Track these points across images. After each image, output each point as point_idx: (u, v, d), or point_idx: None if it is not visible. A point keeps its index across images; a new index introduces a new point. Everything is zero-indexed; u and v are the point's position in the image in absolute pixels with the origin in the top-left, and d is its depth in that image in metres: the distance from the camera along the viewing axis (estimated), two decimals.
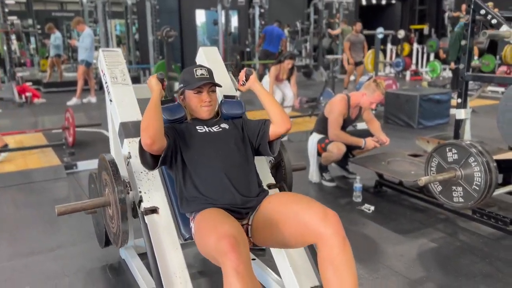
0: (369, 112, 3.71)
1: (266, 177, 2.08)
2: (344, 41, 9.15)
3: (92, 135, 5.28)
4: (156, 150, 1.67)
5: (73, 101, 7.78)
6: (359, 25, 8.93)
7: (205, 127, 1.84)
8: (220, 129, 1.85)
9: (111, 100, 2.13)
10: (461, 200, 2.66)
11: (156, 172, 1.89)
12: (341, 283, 1.46)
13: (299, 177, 3.77)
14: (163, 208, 1.81)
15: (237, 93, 2.19)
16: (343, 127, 3.57)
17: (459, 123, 2.84)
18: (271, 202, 1.71)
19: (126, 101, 2.09)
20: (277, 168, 2.21)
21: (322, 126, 3.63)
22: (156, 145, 1.64)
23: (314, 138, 3.69)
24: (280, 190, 2.05)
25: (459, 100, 2.81)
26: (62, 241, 2.67)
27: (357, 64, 8.85)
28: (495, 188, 2.61)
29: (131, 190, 1.84)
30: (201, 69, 1.86)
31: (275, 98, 1.91)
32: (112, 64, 2.21)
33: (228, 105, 1.96)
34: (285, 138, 5.18)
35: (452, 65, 7.54)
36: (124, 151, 1.97)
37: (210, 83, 1.84)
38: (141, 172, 1.87)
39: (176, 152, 1.76)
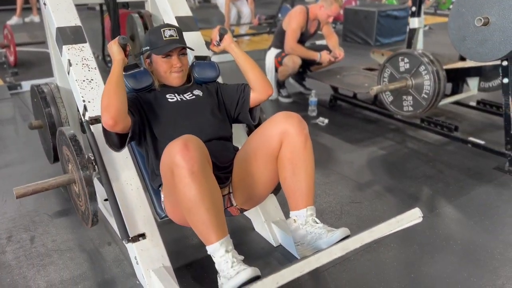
0: (329, 26, 3.64)
1: (243, 142, 1.94)
2: None
3: (36, 55, 4.95)
4: (120, 130, 1.48)
5: (14, 20, 7.17)
6: None
7: (176, 95, 1.66)
8: (194, 97, 1.67)
9: (45, 4, 1.94)
10: (410, 108, 2.74)
11: (100, 80, 1.79)
12: (298, 182, 1.44)
13: None
14: None
15: (210, 53, 1.97)
16: (301, 41, 3.50)
17: (412, 33, 2.84)
18: (239, 151, 1.63)
19: (62, 4, 1.91)
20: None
21: (279, 40, 3.55)
22: (119, 125, 1.44)
23: (272, 53, 3.62)
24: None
25: (413, 9, 2.78)
26: (10, 159, 2.58)
27: None
28: (443, 97, 2.70)
29: (94, 164, 1.65)
30: (169, 29, 1.64)
31: (254, 61, 1.72)
32: None
33: (201, 68, 1.77)
34: None
35: None
36: (63, 59, 1.84)
37: (180, 47, 1.64)
38: (83, 81, 1.77)
39: (144, 128, 1.59)
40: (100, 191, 1.98)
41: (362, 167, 2.52)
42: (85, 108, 1.73)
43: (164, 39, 1.62)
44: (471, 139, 2.65)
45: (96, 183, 1.99)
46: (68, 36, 1.85)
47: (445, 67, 2.74)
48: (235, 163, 1.60)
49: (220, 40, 1.76)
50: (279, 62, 3.53)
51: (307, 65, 3.64)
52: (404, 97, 2.75)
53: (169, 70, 1.65)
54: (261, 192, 1.58)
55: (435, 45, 5.24)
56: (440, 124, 2.78)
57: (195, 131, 1.47)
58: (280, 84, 3.70)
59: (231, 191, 1.60)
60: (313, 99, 3.34)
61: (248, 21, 6.00)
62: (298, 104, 3.63)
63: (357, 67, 3.69)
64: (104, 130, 1.49)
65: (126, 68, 1.63)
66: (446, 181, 2.34)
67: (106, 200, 1.90)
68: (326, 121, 3.19)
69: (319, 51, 3.47)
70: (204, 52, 1.97)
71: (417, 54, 2.62)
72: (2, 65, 4.07)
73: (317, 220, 1.44)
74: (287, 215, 1.55)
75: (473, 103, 3.29)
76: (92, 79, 1.79)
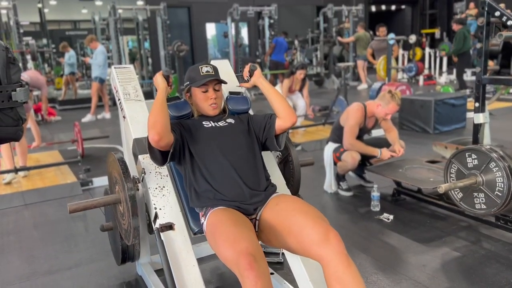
0: (387, 120, 3.65)
1: (274, 172, 2.07)
2: (368, 47, 9.22)
3: (108, 150, 5.32)
4: (163, 146, 1.70)
5: (88, 117, 7.87)
6: (382, 30, 8.80)
7: (211, 122, 1.88)
8: (226, 124, 1.89)
9: (124, 117, 2.13)
10: (483, 206, 2.58)
11: (171, 188, 1.87)
12: None
13: (315, 187, 3.73)
14: (179, 224, 1.78)
15: (242, 90, 2.21)
16: (359, 136, 3.52)
17: (477, 128, 2.77)
18: (279, 204, 1.71)
19: (139, 117, 2.09)
20: (284, 164, 2.20)
21: (337, 135, 3.59)
22: (163, 140, 1.67)
23: (330, 147, 3.65)
24: (288, 186, 2.07)
25: (477, 104, 2.74)
26: (79, 259, 2.67)
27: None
28: None
29: (141, 187, 1.87)
30: (206, 66, 1.90)
31: (280, 92, 1.92)
32: (124, 80, 2.22)
33: (234, 101, 2.00)
34: (298, 148, 5.14)
35: (455, 59, 7.73)
36: (138, 168, 1.96)
37: (215, 80, 1.87)
38: (156, 188, 1.86)
39: (183, 147, 1.80)
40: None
41: (437, 272, 2.34)
42: (156, 216, 1.80)
43: (201, 74, 1.86)
44: None
45: None
46: (144, 146, 1.98)
47: None
48: (265, 219, 1.71)
49: (251, 76, 1.97)
50: (337, 157, 3.54)
51: (366, 158, 3.62)
52: (475, 194, 2.60)
53: (205, 102, 1.88)
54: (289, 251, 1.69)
55: (499, 132, 5.07)
56: None
57: (228, 153, 1.76)
58: (340, 177, 3.67)
59: (257, 218, 1.75)
60: (375, 193, 3.25)
61: (303, 113, 6.18)
62: (359, 198, 3.54)
63: (420, 159, 3.60)
64: (149, 146, 1.71)
65: (169, 99, 1.89)
66: None
67: None
68: (391, 217, 3.06)
69: (378, 146, 3.45)
70: (238, 90, 2.16)
71: (485, 150, 2.53)
72: (77, 163, 4.39)
73: None
74: None
75: None
76: (164, 187, 1.87)
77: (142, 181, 1.92)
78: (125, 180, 1.75)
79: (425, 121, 5.73)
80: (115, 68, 2.27)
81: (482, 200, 2.58)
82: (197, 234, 1.88)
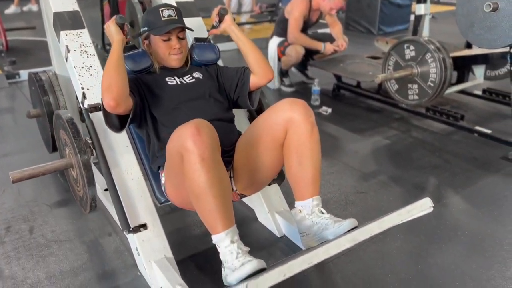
0: (333, 15, 3.56)
1: (244, 127, 1.88)
2: None
3: (35, 44, 4.88)
4: (122, 111, 1.44)
5: (12, 9, 7.09)
6: None
7: (176, 77, 1.62)
8: (193, 79, 1.64)
9: None
10: (416, 97, 2.69)
11: (99, 66, 1.74)
12: (303, 172, 1.40)
13: None
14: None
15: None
16: (303, 30, 3.43)
17: (418, 19, 2.78)
18: (241, 136, 1.60)
19: None
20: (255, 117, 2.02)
21: (281, 28, 3.48)
22: (121, 106, 1.41)
23: (274, 42, 3.55)
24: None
25: None
26: (9, 149, 2.54)
27: None
28: (449, 85, 2.65)
29: (92, 148, 1.62)
30: (168, 9, 1.60)
31: (254, 44, 1.66)
32: None
33: (200, 50, 1.72)
34: None
35: None
36: (61, 45, 1.79)
37: (179, 27, 1.60)
38: (82, 68, 1.72)
39: (144, 110, 1.54)
40: (100, 181, 1.95)
41: (367, 157, 2.47)
42: (84, 96, 1.69)
43: (163, 19, 1.57)
44: (478, 128, 2.61)
45: (96, 172, 1.94)
46: (66, 21, 1.79)
47: (451, 54, 2.68)
48: (237, 148, 1.56)
49: (220, 21, 1.70)
50: (281, 51, 3.47)
51: (310, 54, 3.58)
52: (410, 85, 2.69)
53: (168, 52, 1.60)
54: (263, 177, 1.55)
55: (440, 34, 5.14)
56: (446, 113, 2.73)
57: (196, 114, 1.45)
58: (283, 73, 3.64)
59: (232, 175, 1.56)
60: (316, 88, 3.28)
61: (249, 9, 5.92)
62: (301, 94, 3.57)
63: (361, 55, 3.62)
64: (105, 111, 1.45)
65: (124, 49, 1.57)
66: (452, 171, 2.29)
67: (106, 190, 1.86)
68: (330, 110, 3.14)
69: (322, 41, 3.41)
70: (204, 35, 1.88)
71: (423, 41, 2.57)
72: (0, 54, 4.01)
73: (323, 211, 1.40)
74: (291, 206, 1.51)
75: (479, 92, 3.23)
76: (91, 66, 1.74)
77: (66, 60, 1.76)
78: (77, 146, 1.54)
79: (370, 22, 5.70)
80: None
81: (415, 91, 2.68)
82: (163, 203, 1.64)
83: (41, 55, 4.40)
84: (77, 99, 1.82)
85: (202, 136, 1.22)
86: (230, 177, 1.56)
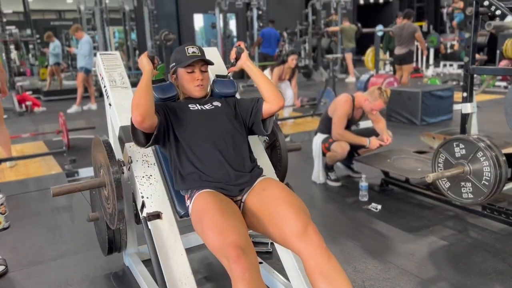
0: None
1: (261, 156, 2.06)
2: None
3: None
4: (147, 128, 1.68)
5: (73, 108, 7.74)
6: (401, 17, 7.56)
7: (197, 105, 1.85)
8: (213, 107, 1.86)
9: (110, 104, 2.08)
10: (470, 196, 2.60)
11: (158, 176, 1.84)
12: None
13: (303, 178, 3.72)
14: (166, 212, 1.76)
15: (229, 75, 2.18)
16: (347, 127, 3.51)
17: (465, 118, 2.79)
18: (265, 190, 1.70)
19: (125, 104, 2.04)
20: (272, 149, 2.19)
21: (325, 126, 3.58)
22: (146, 122, 1.65)
23: (318, 138, 3.64)
24: (275, 171, 2.07)
25: (465, 94, 2.75)
26: (65, 250, 2.62)
27: (401, 61, 7.10)
28: (505, 183, 2.56)
29: (127, 170, 1.84)
30: (192, 47, 1.87)
31: (267, 76, 1.90)
32: (110, 67, 2.17)
33: (220, 84, 1.97)
34: (287, 139, 5.13)
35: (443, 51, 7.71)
36: (125, 156, 1.92)
37: (202, 61, 1.85)
38: (143, 177, 1.82)
39: (168, 129, 1.77)
40: None
41: (424, 260, 2.35)
42: (143, 205, 1.76)
43: (188, 55, 1.83)
44: None
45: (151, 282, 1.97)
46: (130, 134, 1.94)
47: (503, 151, 2.62)
48: (250, 203, 1.70)
49: (237, 59, 1.93)
50: (326, 147, 3.53)
51: (354, 148, 3.62)
52: (463, 183, 2.62)
53: (192, 83, 1.85)
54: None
55: (486, 123, 5.11)
56: (505, 212, 2.60)
57: (213, 136, 1.75)
58: (329, 168, 3.67)
59: (243, 200, 1.73)
60: (363, 183, 3.26)
61: (291, 103, 6.16)
62: (347, 188, 3.55)
63: (407, 150, 3.62)
64: (132, 127, 1.69)
65: (154, 81, 1.84)
66: None
67: None
68: (379, 206, 3.07)
69: (366, 136, 3.46)
70: (224, 73, 2.11)
71: (473, 140, 2.54)
72: (62, 154, 4.31)
73: None
74: None
75: None
76: (151, 175, 1.84)
77: (128, 170, 1.88)
78: (110, 162, 1.72)
79: (412, 113, 5.76)
80: (100, 54, 2.22)
81: (469, 189, 2.60)
82: (183, 217, 1.85)
83: None
84: (134, 203, 1.91)
85: (247, 260, 1.38)
86: (242, 201, 1.74)
